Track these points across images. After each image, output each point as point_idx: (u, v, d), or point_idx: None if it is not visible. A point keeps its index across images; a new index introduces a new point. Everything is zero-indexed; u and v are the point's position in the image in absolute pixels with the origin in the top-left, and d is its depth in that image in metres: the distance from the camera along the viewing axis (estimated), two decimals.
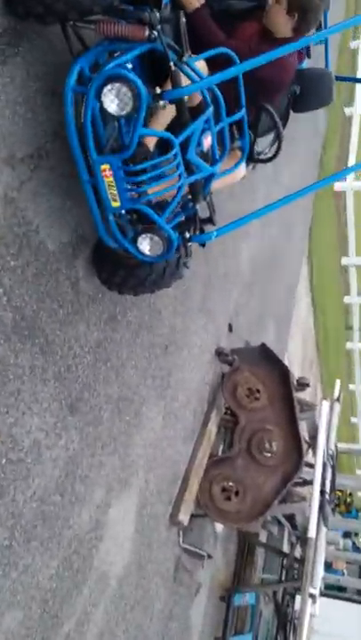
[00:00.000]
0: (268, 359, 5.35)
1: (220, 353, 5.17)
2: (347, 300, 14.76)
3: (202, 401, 4.90)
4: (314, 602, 5.52)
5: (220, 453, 4.99)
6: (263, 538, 6.66)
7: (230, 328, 5.64)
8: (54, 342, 2.80)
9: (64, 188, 2.81)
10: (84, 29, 2.53)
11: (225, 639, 5.21)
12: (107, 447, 3.32)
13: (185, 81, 2.51)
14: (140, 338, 3.72)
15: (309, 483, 5.90)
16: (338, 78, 3.78)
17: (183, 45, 2.41)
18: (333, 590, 9.99)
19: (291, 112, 3.52)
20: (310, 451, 6.21)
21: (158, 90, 2.26)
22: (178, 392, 4.39)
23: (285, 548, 6.92)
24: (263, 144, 3.50)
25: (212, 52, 2.55)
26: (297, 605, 6.21)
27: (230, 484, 4.66)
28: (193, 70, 2.41)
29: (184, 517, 4.24)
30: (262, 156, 3.12)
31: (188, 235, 2.64)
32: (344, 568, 11.37)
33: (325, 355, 12.55)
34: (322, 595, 6.22)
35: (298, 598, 6.16)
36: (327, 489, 5.93)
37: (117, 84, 2.14)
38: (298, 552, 6.47)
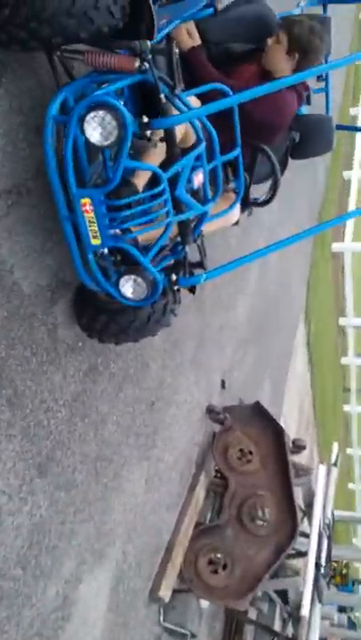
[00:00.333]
0: (262, 418, 5.05)
1: (211, 411, 4.88)
2: (344, 361, 14.53)
3: (190, 462, 4.57)
4: None
5: (207, 521, 4.61)
6: (253, 615, 6.15)
7: (223, 385, 5.36)
8: (24, 394, 2.52)
9: (46, 228, 2.60)
10: (73, 61, 2.39)
11: None
12: (80, 513, 2.99)
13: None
14: (124, 392, 3.44)
15: (304, 554, 5.48)
16: (338, 127, 3.67)
17: (175, 78, 2.25)
18: None
19: (290, 159, 3.39)
20: (305, 519, 5.82)
21: (145, 119, 2.08)
22: (164, 452, 4.07)
23: (277, 626, 6.39)
24: (261, 191, 3.35)
25: (205, 88, 2.40)
26: None
27: (218, 555, 4.27)
28: (185, 104, 2.25)
29: (166, 593, 3.84)
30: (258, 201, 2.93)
31: (174, 277, 2.41)
32: None
33: (322, 416, 12.20)
34: None
35: None
36: (323, 561, 5.51)
37: (101, 112, 1.96)
38: (290, 630, 5.97)
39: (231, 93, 2.44)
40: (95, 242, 2.18)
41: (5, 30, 2.10)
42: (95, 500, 3.14)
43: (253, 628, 6.16)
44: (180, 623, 4.24)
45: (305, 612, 5.01)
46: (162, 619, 4.02)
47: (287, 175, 7.21)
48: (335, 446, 7.02)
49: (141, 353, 3.64)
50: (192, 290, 2.83)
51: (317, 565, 5.29)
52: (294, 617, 5.48)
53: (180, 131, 2.39)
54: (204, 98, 2.55)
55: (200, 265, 2.64)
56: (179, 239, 2.52)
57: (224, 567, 4.24)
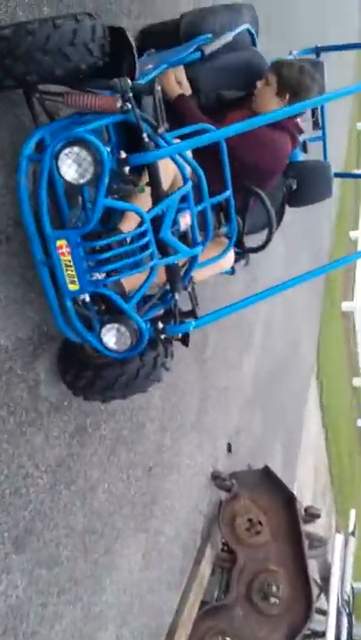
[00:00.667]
0: (271, 485, 4.71)
1: (216, 477, 4.57)
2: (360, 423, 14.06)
3: (194, 534, 4.23)
4: None
5: (213, 600, 4.21)
6: None
7: (229, 449, 5.06)
8: None
9: (27, 278, 2.44)
10: (55, 103, 2.29)
11: None
12: (65, 594, 2.68)
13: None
14: (117, 456, 3.18)
15: (321, 635, 5.01)
16: (337, 175, 3.56)
17: (159, 118, 2.14)
18: None
19: (287, 207, 3.26)
20: (322, 595, 5.36)
21: (123, 155, 1.94)
22: (164, 523, 3.76)
23: None
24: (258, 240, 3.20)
25: (191, 128, 2.29)
26: None
27: (226, 639, 3.87)
28: (168, 143, 2.12)
29: None
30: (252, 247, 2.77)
31: (160, 325, 2.22)
32: None
33: (339, 482, 11.66)
34: None
35: None
36: None
37: (76, 148, 1.83)
38: None
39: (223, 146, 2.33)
40: (73, 287, 2.01)
41: None
42: (83, 578, 2.83)
43: None
44: None
45: None
46: None
47: (292, 237, 7.16)
48: (353, 514, 6.58)
49: (137, 413, 3.41)
50: (185, 341, 2.63)
51: None
52: None
53: (168, 175, 2.26)
54: (199, 151, 2.45)
55: (192, 314, 2.45)
56: (168, 287, 2.34)
57: None
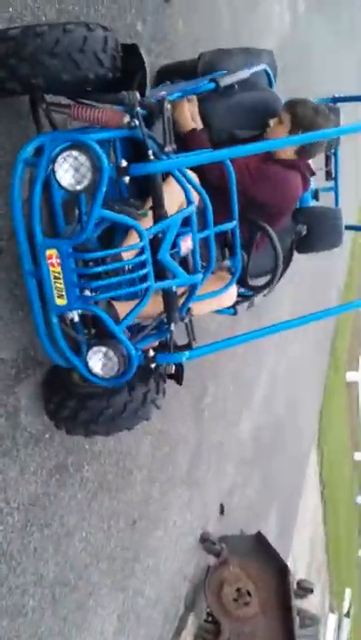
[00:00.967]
0: (264, 553, 4.40)
1: (205, 539, 4.26)
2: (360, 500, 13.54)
3: (177, 600, 3.90)
4: None
5: None
6: None
7: (222, 510, 4.77)
8: None
9: (17, 295, 2.29)
10: (61, 115, 2.22)
11: None
12: None
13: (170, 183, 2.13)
14: (99, 503, 2.94)
15: None
16: (348, 227, 3.46)
17: (166, 137, 2.05)
18: None
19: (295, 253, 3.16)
20: None
21: (124, 163, 1.84)
22: (145, 584, 3.46)
23: None
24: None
25: (201, 158, 2.20)
26: None
27: None
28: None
29: None
30: (256, 285, 2.64)
31: (152, 353, 2.05)
32: None
33: (336, 560, 11.07)
34: None
35: None
36: None
37: (75, 152, 1.73)
38: None
39: (228, 162, 2.24)
40: (60, 302, 1.87)
41: None
42: (49, 635, 2.55)
43: None
44: None
45: None
46: None
47: (301, 301, 7.01)
48: (348, 594, 6.15)
49: (124, 458, 3.19)
50: (178, 379, 2.46)
51: None
52: None
53: (174, 201, 2.16)
54: (201, 177, 2.38)
55: (187, 347, 2.29)
56: (164, 318, 2.19)
57: None
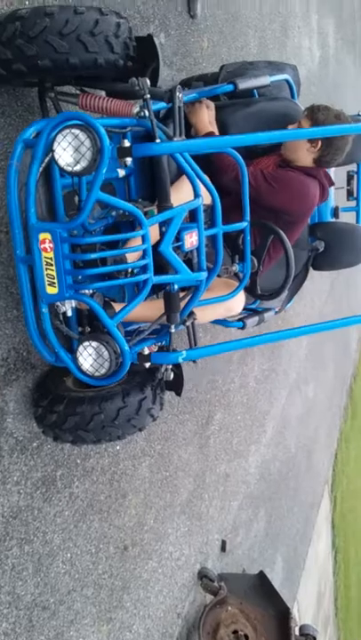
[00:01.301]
0: (265, 595, 4.12)
1: (203, 576, 4.01)
2: None
3: (168, 639, 3.63)
4: None
5: None
6: None
7: (223, 547, 4.50)
8: None
9: (12, 292, 2.19)
10: (69, 105, 2.14)
11: None
12: None
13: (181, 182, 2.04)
14: (87, 523, 2.76)
15: None
16: None
17: (176, 126, 1.96)
18: None
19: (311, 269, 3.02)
20: None
21: (127, 143, 1.74)
22: (134, 617, 3.22)
23: None
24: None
25: (207, 140, 2.11)
26: None
27: None
28: (183, 157, 1.93)
29: None
30: (265, 294, 2.49)
31: (146, 351, 1.91)
32: None
33: (345, 616, 10.51)
34: None
35: None
36: None
37: (75, 130, 1.63)
38: None
39: (239, 157, 2.14)
40: (51, 290, 1.74)
41: None
42: None
43: None
44: None
45: None
46: None
47: (319, 340, 6.79)
48: None
49: (120, 478, 3.01)
50: (177, 389, 2.31)
51: None
52: None
53: (182, 199, 2.05)
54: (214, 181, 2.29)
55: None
56: (165, 320, 2.06)
57: None
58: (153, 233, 1.90)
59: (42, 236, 1.70)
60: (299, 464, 7.10)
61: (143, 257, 1.80)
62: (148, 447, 3.29)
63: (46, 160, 1.76)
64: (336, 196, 3.29)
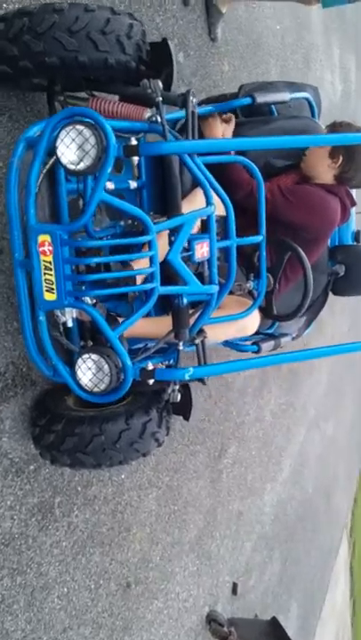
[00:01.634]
0: None
1: (212, 619, 3.77)
2: None
3: None
4: None
5: None
6: None
7: (235, 590, 4.26)
8: None
9: (13, 303, 2.09)
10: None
11: None
12: None
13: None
14: (87, 556, 2.58)
15: None
16: None
17: (189, 131, 1.86)
18: None
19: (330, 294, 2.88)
20: None
21: (134, 141, 1.65)
22: None
23: None
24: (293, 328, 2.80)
25: (224, 158, 2.01)
26: None
27: None
28: (195, 163, 1.83)
29: None
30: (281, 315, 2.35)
31: (150, 367, 1.78)
32: None
33: None
34: None
35: None
36: None
37: (79, 126, 1.54)
38: None
39: (255, 167, 2.04)
40: (49, 297, 1.63)
41: None
42: None
43: None
44: None
45: None
46: None
47: (339, 377, 6.59)
48: None
49: (124, 510, 2.84)
50: (185, 414, 2.16)
51: None
52: None
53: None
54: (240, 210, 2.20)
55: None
56: (172, 338, 1.93)
57: None
58: (163, 244, 1.79)
59: (41, 237, 1.60)
60: (317, 506, 6.81)
61: (150, 265, 1.68)
62: (156, 478, 3.12)
63: (51, 162, 1.67)
64: (359, 221, 3.17)
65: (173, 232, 1.79)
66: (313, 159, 2.44)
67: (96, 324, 1.64)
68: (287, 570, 5.66)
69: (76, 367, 1.70)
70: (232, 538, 4.23)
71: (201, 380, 2.00)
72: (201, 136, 2.32)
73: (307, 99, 2.74)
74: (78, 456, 1.98)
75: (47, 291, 1.63)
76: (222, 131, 2.46)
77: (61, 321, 1.76)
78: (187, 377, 1.78)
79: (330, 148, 2.38)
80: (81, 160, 1.55)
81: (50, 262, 1.60)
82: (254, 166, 2.04)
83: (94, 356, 1.67)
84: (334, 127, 2.39)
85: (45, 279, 1.62)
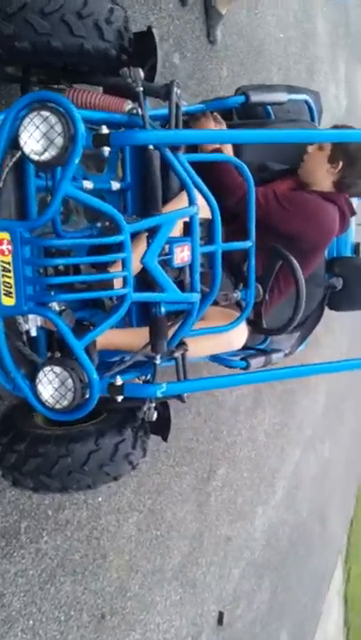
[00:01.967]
0: None
1: None
2: None
3: None
4: None
5: None
6: None
7: (220, 619, 4.03)
8: None
9: None
10: None
11: None
12: None
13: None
14: (56, 586, 2.39)
15: None
16: None
17: (172, 127, 1.71)
18: None
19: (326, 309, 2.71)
20: None
21: (105, 130, 1.49)
22: None
23: None
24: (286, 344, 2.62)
25: (211, 156, 1.86)
26: None
27: None
28: (178, 159, 1.67)
29: None
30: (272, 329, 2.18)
31: (119, 381, 1.60)
32: None
33: None
34: None
35: None
36: None
37: (45, 112, 1.38)
38: None
39: (245, 168, 1.88)
40: (7, 301, 1.46)
41: None
42: None
43: None
44: None
45: None
46: None
47: (338, 398, 6.40)
48: None
49: (100, 535, 2.65)
50: (163, 435, 1.98)
51: None
52: None
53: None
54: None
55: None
56: (149, 351, 1.75)
57: None
58: (142, 249, 1.63)
59: (0, 235, 1.43)
60: (311, 530, 6.58)
61: (122, 269, 1.51)
62: (137, 501, 2.93)
63: (18, 154, 1.51)
64: (358, 232, 3.01)
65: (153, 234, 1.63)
66: (311, 164, 2.28)
67: (60, 332, 1.47)
68: (277, 597, 5.42)
69: (37, 381, 1.52)
70: (219, 565, 4.01)
71: (179, 398, 1.83)
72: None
73: (306, 101, 2.60)
74: (42, 479, 1.80)
75: (5, 294, 1.46)
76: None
77: (24, 329, 1.59)
78: (159, 394, 1.61)
79: (329, 152, 2.23)
80: (45, 149, 1.39)
81: (9, 263, 1.44)
82: (244, 165, 1.88)
83: (57, 369, 1.50)
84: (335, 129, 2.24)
85: (4, 282, 1.45)
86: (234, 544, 4.24)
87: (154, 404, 1.78)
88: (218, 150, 2.26)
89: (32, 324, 1.59)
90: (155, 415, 1.79)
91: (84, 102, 1.76)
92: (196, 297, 1.69)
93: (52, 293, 1.53)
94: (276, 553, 5.29)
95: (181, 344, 1.82)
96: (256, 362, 2.23)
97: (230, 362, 2.27)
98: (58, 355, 1.75)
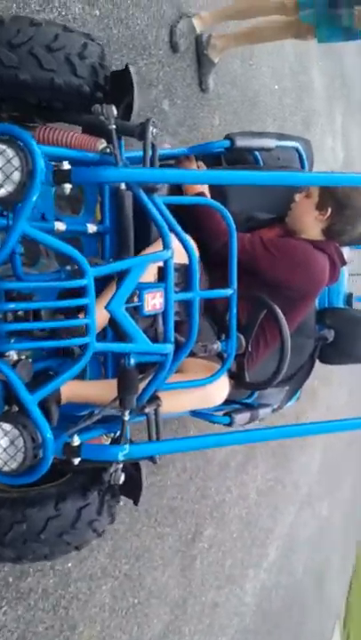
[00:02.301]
0: None
1: None
2: None
3: None
4: None
5: None
6: None
7: None
8: None
9: None
10: None
11: None
12: None
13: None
14: None
15: None
16: None
17: (145, 164, 1.61)
18: None
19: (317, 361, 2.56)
20: None
21: (67, 165, 1.38)
22: None
23: None
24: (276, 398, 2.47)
25: (190, 199, 1.75)
26: None
27: None
28: (153, 202, 1.56)
29: None
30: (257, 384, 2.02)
31: (76, 441, 1.44)
32: None
33: None
34: None
35: None
36: None
37: (2, 146, 1.28)
38: None
39: (225, 211, 1.77)
40: None
41: None
42: None
43: None
44: None
45: None
46: None
47: (336, 453, 6.16)
48: None
49: (68, 605, 2.43)
50: (134, 497, 1.80)
51: None
52: None
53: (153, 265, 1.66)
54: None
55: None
56: (117, 406, 1.60)
57: None
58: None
59: None
60: (306, 593, 6.24)
61: (85, 316, 1.38)
62: (112, 566, 2.71)
63: None
64: (353, 285, 2.90)
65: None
66: (299, 211, 2.18)
67: (10, 384, 1.32)
68: None
69: None
70: (205, 633, 3.73)
71: (151, 459, 1.67)
72: (177, 185, 2.08)
73: (296, 148, 2.52)
74: None
75: None
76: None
77: None
78: (121, 457, 1.45)
79: (317, 198, 2.13)
80: (1, 185, 1.28)
81: None
82: (225, 210, 1.78)
83: (6, 426, 1.35)
84: None
85: None
86: (221, 610, 3.96)
87: (121, 466, 1.62)
88: (202, 194, 2.17)
89: None
90: (122, 478, 1.63)
91: (55, 140, 1.67)
92: (169, 348, 1.55)
93: (13, 341, 1.40)
94: (269, 618, 4.98)
95: (154, 399, 1.67)
96: (241, 417, 2.07)
97: (212, 417, 2.11)
98: (15, 409, 1.61)
